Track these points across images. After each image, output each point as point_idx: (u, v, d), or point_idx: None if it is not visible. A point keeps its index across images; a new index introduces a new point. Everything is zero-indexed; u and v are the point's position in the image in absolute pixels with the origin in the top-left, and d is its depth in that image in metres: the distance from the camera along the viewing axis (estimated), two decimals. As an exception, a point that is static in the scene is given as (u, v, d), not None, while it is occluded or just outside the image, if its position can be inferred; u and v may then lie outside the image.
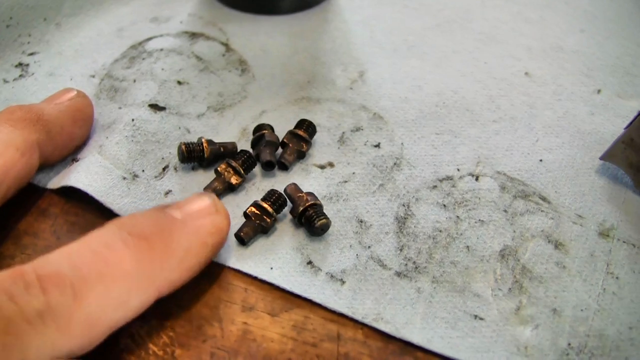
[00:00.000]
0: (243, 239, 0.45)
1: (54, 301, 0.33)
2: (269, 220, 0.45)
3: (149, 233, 0.38)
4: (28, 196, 0.48)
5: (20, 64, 0.58)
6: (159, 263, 0.38)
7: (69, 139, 0.48)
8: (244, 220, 0.45)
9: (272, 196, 0.46)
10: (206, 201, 0.41)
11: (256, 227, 0.45)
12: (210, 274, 0.44)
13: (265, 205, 0.45)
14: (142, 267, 0.37)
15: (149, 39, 0.60)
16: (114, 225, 0.38)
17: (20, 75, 0.57)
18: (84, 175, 0.47)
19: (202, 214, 0.41)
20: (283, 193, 0.46)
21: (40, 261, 0.35)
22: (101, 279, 0.35)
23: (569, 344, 0.41)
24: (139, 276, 0.37)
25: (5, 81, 0.56)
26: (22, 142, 0.44)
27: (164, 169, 0.49)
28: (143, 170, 0.48)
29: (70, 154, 0.50)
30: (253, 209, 0.45)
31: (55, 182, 0.48)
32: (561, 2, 0.68)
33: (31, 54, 0.59)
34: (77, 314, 0.34)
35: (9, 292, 0.33)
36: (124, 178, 0.48)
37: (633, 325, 0.42)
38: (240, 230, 0.45)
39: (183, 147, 0.48)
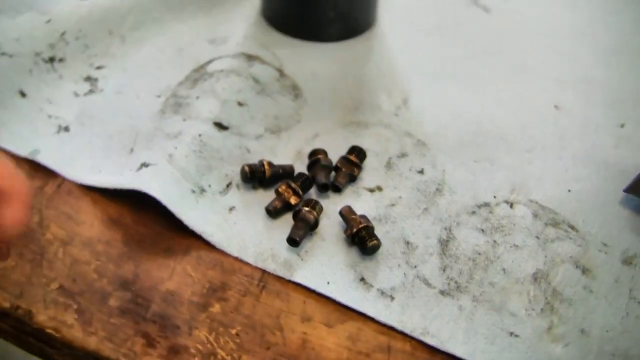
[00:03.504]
0: (295, 240, 0.50)
1: None
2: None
3: None
4: (97, 201, 0.53)
5: (89, 77, 0.62)
6: None
7: None
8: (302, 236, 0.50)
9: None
10: None
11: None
12: (272, 286, 0.49)
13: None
14: None
15: (210, 61, 0.64)
16: None
17: (90, 91, 0.61)
18: (157, 183, 0.51)
19: None
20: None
21: None
22: None
23: (596, 362, 0.45)
24: None
25: (76, 95, 0.60)
26: None
27: (227, 185, 0.54)
28: (210, 185, 0.53)
29: None
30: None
31: (126, 183, 0.52)
32: (588, 37, 0.72)
33: (99, 67, 0.63)
34: None
35: None
36: (193, 191, 0.52)
37: (654, 347, 0.46)
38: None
39: (247, 168, 0.53)
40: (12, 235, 0.33)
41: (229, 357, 0.45)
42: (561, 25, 0.74)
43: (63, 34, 0.63)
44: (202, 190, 0.52)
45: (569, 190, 0.56)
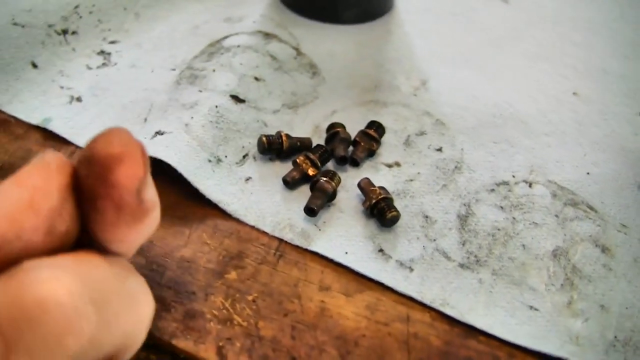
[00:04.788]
0: (313, 209, 0.49)
1: None
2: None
3: None
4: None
5: (102, 52, 0.62)
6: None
7: None
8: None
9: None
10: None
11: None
12: (289, 255, 0.48)
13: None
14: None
15: (226, 37, 0.64)
16: None
17: (103, 64, 0.61)
18: (172, 151, 0.51)
19: None
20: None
21: None
22: None
23: (616, 337, 0.45)
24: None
25: (89, 67, 0.60)
26: None
27: (244, 156, 0.53)
28: (226, 156, 0.52)
29: None
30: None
31: None
32: (604, 27, 0.73)
33: (112, 42, 0.63)
34: None
35: None
36: (209, 161, 0.52)
37: (674, 324, 0.46)
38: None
39: (264, 139, 0.52)
40: (131, 189, 0.31)
41: (245, 323, 0.44)
42: (579, 17, 0.74)
43: (76, 7, 0.63)
44: (219, 160, 0.52)
45: (588, 173, 0.55)
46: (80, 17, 0.63)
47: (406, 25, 0.69)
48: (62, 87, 0.58)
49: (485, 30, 0.70)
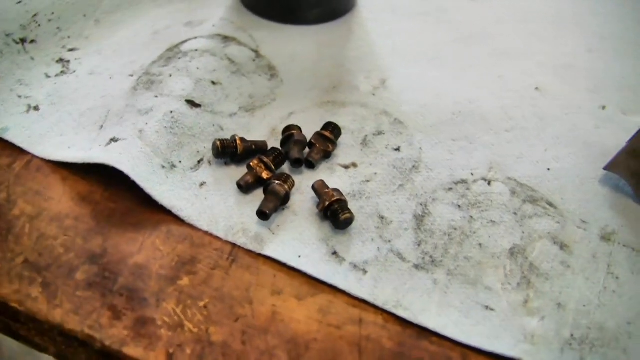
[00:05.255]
0: (265, 213, 0.48)
1: None
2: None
3: None
4: (66, 178, 0.52)
5: (61, 60, 0.61)
6: None
7: None
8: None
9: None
10: None
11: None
12: (242, 260, 0.48)
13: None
14: None
15: (184, 41, 0.63)
16: None
17: (62, 72, 0.60)
18: (126, 158, 0.50)
19: None
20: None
21: None
22: None
23: (572, 335, 0.45)
24: None
25: (48, 76, 0.60)
26: None
27: (199, 161, 0.53)
28: (180, 161, 0.52)
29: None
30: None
31: (94, 157, 0.51)
32: (572, 23, 0.72)
33: (71, 49, 0.62)
34: None
35: None
36: (163, 167, 0.51)
37: (631, 321, 0.45)
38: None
39: (218, 143, 0.52)
40: None
41: (196, 329, 0.44)
42: (546, 11, 0.74)
43: (35, 15, 0.62)
44: (173, 166, 0.51)
45: (548, 169, 0.55)
46: (39, 25, 0.62)
47: (369, 24, 0.68)
48: (20, 96, 0.57)
49: (453, 29, 0.69)
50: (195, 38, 0.63)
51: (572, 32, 0.71)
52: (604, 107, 0.61)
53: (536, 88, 0.63)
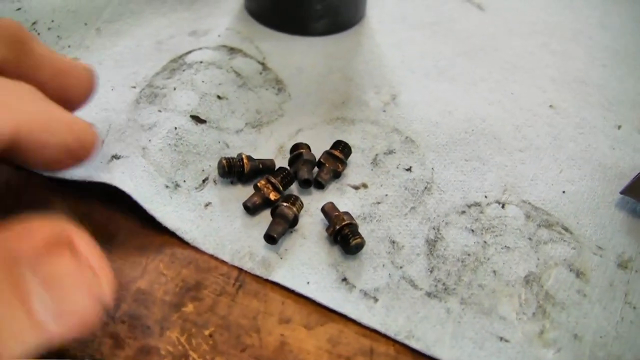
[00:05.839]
0: (273, 237, 0.47)
1: None
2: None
3: None
4: (66, 198, 0.50)
5: (62, 70, 0.59)
6: (26, 103, 0.34)
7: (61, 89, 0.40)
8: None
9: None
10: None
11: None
12: (249, 285, 0.46)
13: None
14: (3, 93, 0.32)
15: (189, 52, 0.61)
16: None
17: (63, 82, 0.58)
18: (128, 177, 0.49)
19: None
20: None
21: None
22: None
23: (589, 369, 0.43)
24: None
25: (48, 86, 0.57)
26: None
27: (204, 181, 0.51)
28: (184, 181, 0.50)
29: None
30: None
31: (96, 175, 0.49)
32: (585, 37, 0.70)
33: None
34: None
35: None
36: (167, 187, 0.49)
37: (650, 354, 0.44)
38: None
39: (224, 162, 0.50)
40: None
41: (201, 359, 0.42)
42: (558, 25, 0.72)
43: (34, 23, 0.61)
44: (177, 186, 0.50)
45: (564, 192, 0.53)
46: (39, 33, 0.61)
47: (377, 36, 0.67)
48: (18, 109, 0.55)
49: (462, 40, 0.68)
50: (201, 49, 0.61)
51: (584, 48, 0.69)
52: (619, 127, 0.60)
53: (550, 106, 0.61)
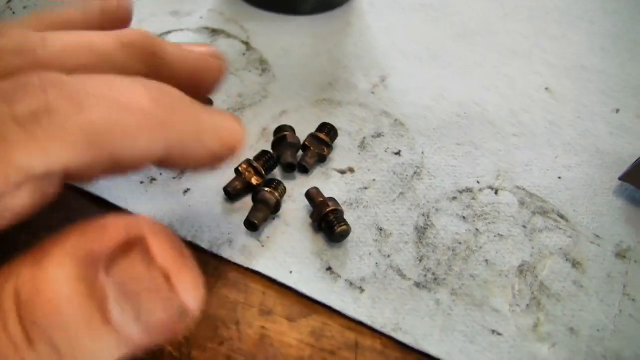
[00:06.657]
0: (254, 223, 0.44)
1: (52, 103, 0.27)
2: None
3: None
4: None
5: (38, 50, 0.57)
6: (178, 115, 0.32)
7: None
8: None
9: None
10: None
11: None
12: (228, 274, 0.43)
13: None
14: (158, 109, 0.31)
15: (169, 32, 0.59)
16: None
17: (38, 62, 0.56)
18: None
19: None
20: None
21: (49, 73, 0.28)
22: (109, 100, 0.29)
23: (586, 365, 0.41)
24: (152, 116, 0.30)
25: (23, 66, 0.55)
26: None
27: (182, 170, 0.48)
28: (160, 174, 0.48)
29: None
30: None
31: None
32: (584, 21, 0.68)
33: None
34: (76, 120, 0.27)
35: (4, 93, 0.27)
36: (142, 182, 0.47)
37: (650, 349, 0.42)
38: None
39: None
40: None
41: (177, 353, 0.40)
42: (556, 9, 0.70)
43: (9, 1, 0.58)
44: (152, 180, 0.47)
45: (560, 178, 0.51)
46: (14, 12, 0.58)
47: (368, 17, 0.64)
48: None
49: (457, 24, 0.65)
50: (182, 30, 0.59)
51: (583, 32, 0.67)
52: (617, 111, 0.57)
53: (547, 89, 0.59)
